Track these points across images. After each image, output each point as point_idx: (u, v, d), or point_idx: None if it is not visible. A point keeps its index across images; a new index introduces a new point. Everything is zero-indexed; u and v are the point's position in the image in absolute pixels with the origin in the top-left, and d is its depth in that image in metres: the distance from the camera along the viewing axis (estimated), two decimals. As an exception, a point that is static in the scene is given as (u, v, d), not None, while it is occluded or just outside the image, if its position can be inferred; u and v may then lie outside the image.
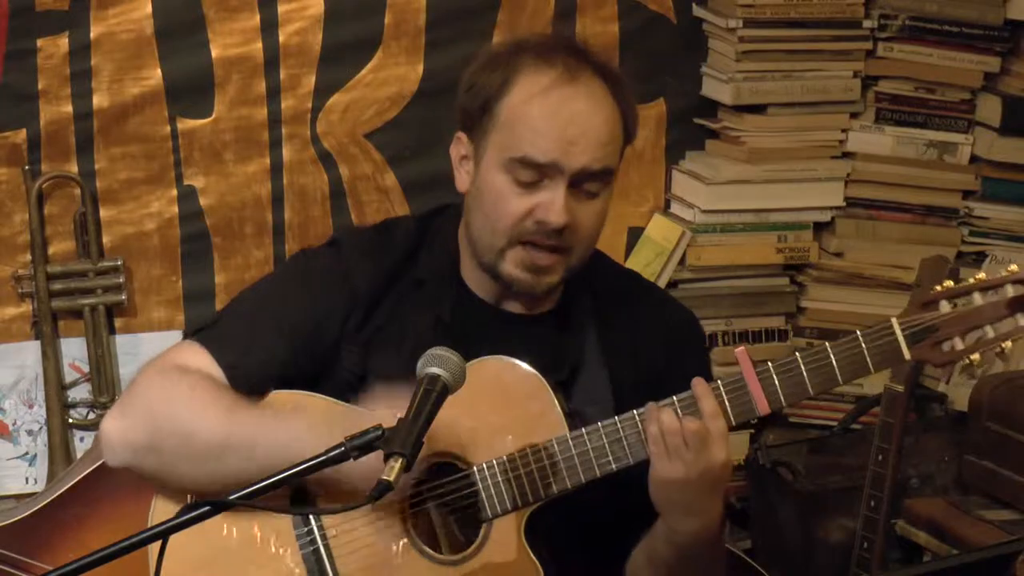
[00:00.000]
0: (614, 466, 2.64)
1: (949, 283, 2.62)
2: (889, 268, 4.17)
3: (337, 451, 2.32)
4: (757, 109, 4.12)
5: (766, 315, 4.20)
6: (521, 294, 2.73)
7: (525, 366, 2.67)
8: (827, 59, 4.13)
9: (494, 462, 2.65)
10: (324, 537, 2.68)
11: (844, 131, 4.18)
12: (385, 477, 2.30)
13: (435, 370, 2.44)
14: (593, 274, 2.81)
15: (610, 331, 2.79)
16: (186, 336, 2.83)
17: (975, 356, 2.60)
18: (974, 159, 4.20)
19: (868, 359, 2.61)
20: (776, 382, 2.62)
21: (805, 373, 2.61)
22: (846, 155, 4.19)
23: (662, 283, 4.08)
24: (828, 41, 4.12)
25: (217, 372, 2.72)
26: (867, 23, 4.12)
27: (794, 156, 4.15)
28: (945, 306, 2.60)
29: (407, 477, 2.48)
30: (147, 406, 2.69)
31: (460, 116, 2.73)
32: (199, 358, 2.73)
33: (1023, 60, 4.12)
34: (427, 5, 3.95)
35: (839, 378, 2.62)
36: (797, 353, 2.62)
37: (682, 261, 4.12)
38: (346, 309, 2.74)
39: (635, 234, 4.18)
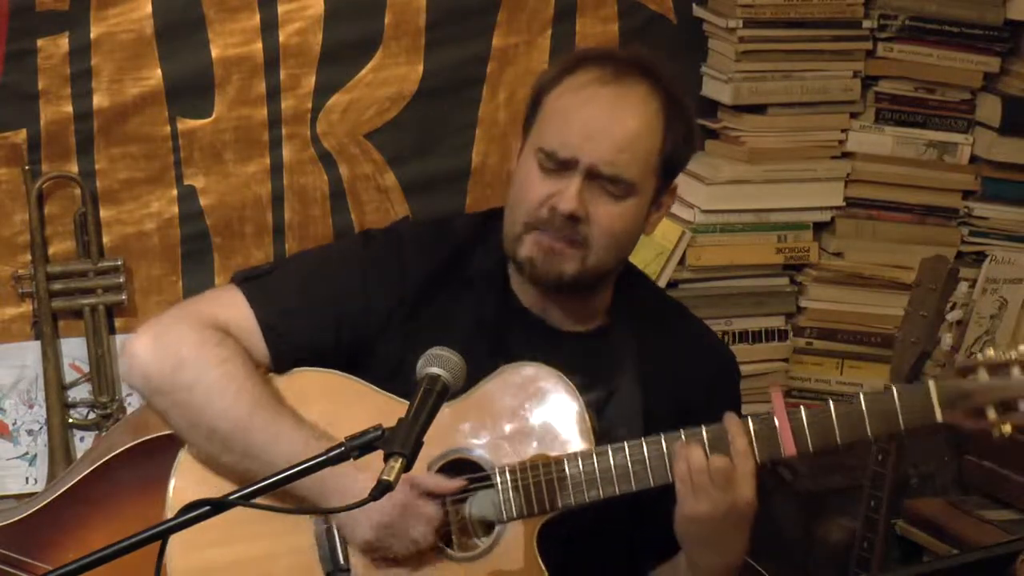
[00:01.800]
0: (634, 486, 2.64)
1: (991, 353, 2.63)
2: (889, 268, 4.17)
3: (337, 451, 2.32)
4: (757, 109, 4.12)
5: (766, 315, 4.20)
6: (537, 280, 2.73)
7: (562, 377, 2.68)
8: (827, 59, 4.13)
9: (516, 467, 2.65)
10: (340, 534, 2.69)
11: (844, 131, 4.17)
12: (385, 477, 2.30)
13: (435, 370, 2.44)
14: (638, 301, 2.82)
15: (649, 361, 2.80)
16: (233, 279, 2.82)
17: (1006, 428, 2.62)
18: (974, 159, 4.20)
19: (900, 416, 2.62)
20: (806, 427, 2.62)
21: (835, 423, 2.62)
22: (846, 155, 4.19)
23: (662, 283, 4.07)
24: (828, 41, 4.12)
25: (254, 327, 2.72)
26: (867, 23, 4.11)
27: (794, 156, 4.15)
28: (983, 375, 2.61)
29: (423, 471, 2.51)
30: (178, 355, 2.69)
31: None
32: (240, 312, 2.73)
33: (1023, 60, 4.12)
34: (427, 5, 3.95)
35: (868, 432, 2.63)
36: (831, 400, 2.63)
37: (682, 261, 4.12)
38: (395, 302, 2.76)
39: (635, 234, 4.18)
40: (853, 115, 4.18)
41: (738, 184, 4.12)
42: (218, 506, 2.26)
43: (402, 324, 2.75)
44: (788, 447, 2.62)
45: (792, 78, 4.12)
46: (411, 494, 2.62)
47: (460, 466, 2.69)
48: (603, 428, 2.71)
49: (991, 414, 2.62)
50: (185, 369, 2.68)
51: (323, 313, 2.74)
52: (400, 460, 2.31)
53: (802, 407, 2.63)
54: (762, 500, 4.05)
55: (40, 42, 3.75)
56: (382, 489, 2.30)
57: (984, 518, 3.68)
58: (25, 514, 3.44)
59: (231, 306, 2.74)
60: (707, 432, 2.62)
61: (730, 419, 2.62)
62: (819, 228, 4.21)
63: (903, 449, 3.49)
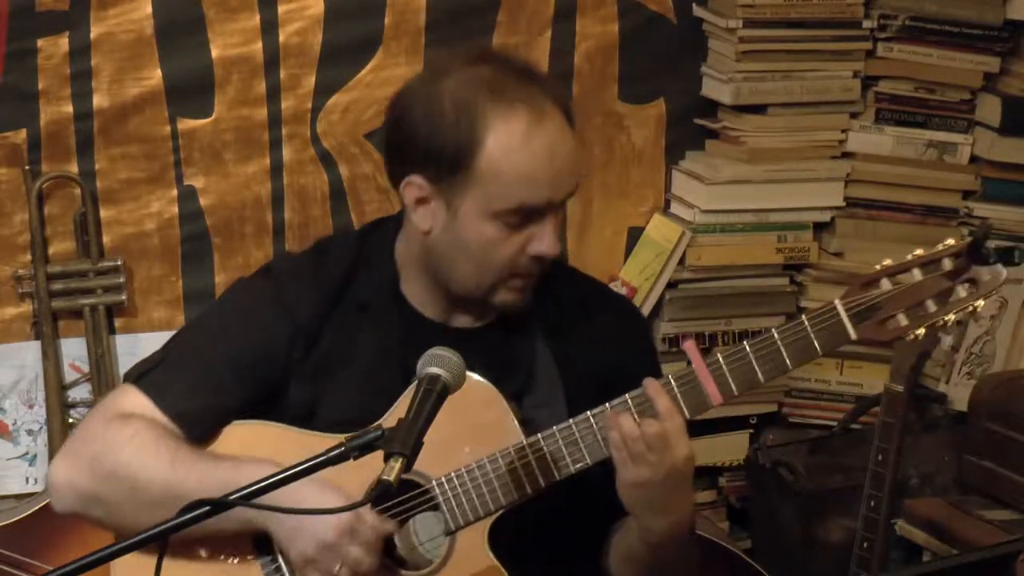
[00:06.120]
0: (572, 468, 2.64)
1: (888, 261, 2.63)
2: (889, 268, 4.17)
3: (337, 451, 2.32)
4: (757, 109, 4.12)
5: (766, 315, 4.19)
6: (511, 312, 2.74)
7: (475, 376, 2.64)
8: (827, 59, 4.13)
9: (452, 475, 2.64)
10: (292, 573, 2.68)
11: (844, 131, 4.17)
12: (385, 477, 2.30)
13: (435, 370, 2.44)
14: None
15: (558, 332, 2.79)
16: (127, 379, 2.80)
17: (920, 331, 2.61)
18: (974, 159, 4.20)
19: (815, 342, 2.62)
20: (727, 373, 2.63)
21: (755, 362, 2.62)
22: (846, 155, 4.19)
23: (662, 283, 4.08)
24: (828, 41, 4.12)
25: (162, 417, 2.71)
26: (867, 23, 4.11)
27: (794, 156, 4.15)
28: (886, 284, 2.61)
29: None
30: (91, 454, 2.70)
31: (408, 157, 2.72)
32: (146, 406, 2.72)
33: (1023, 60, 4.12)
34: (427, 5, 3.95)
35: (788, 364, 2.63)
36: (745, 343, 2.64)
37: (682, 261, 4.12)
38: (289, 339, 2.74)
39: (635, 234, 4.18)
40: (853, 115, 4.18)
41: (738, 184, 4.12)
42: (217, 506, 2.26)
43: (301, 363, 2.73)
44: (714, 397, 2.62)
45: (792, 78, 4.12)
46: (357, 522, 2.59)
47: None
48: (526, 414, 2.70)
49: (903, 320, 2.60)
50: (101, 459, 2.68)
51: (224, 379, 2.72)
52: (400, 460, 2.31)
53: (719, 354, 2.63)
54: (762, 500, 4.07)
55: (40, 42, 3.75)
56: (383, 488, 2.30)
57: (984, 518, 3.68)
58: (25, 514, 3.45)
59: (135, 402, 2.73)
60: (632, 399, 2.61)
61: (648, 382, 2.62)
62: (819, 228, 4.21)
63: (903, 449, 3.49)
